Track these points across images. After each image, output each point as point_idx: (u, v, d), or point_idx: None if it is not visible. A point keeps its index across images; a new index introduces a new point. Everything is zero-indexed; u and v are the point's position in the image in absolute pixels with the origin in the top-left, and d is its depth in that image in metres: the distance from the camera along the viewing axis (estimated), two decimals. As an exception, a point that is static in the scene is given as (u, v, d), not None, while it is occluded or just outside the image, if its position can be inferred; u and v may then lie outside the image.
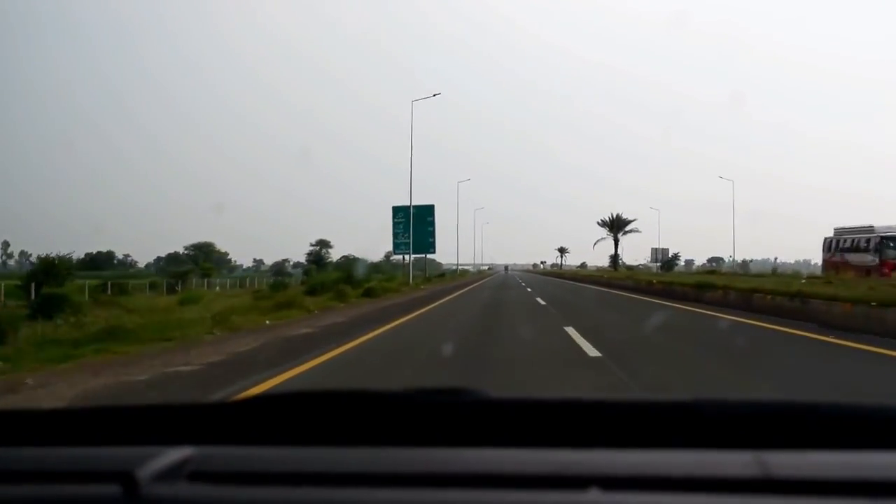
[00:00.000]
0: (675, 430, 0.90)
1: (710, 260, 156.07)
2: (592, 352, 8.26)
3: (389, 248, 48.62)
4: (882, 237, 29.31)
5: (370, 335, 10.68)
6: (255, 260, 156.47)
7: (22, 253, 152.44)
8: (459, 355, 8.33)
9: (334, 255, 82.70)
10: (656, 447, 0.83)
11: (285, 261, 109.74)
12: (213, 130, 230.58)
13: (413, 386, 0.99)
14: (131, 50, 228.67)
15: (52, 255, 28.78)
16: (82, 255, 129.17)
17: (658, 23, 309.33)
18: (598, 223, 76.06)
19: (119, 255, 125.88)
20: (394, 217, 50.25)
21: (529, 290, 32.01)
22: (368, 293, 23.78)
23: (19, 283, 29.29)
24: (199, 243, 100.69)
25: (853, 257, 30.41)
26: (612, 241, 74.75)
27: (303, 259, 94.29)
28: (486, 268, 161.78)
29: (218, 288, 51.76)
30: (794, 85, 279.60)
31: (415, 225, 47.78)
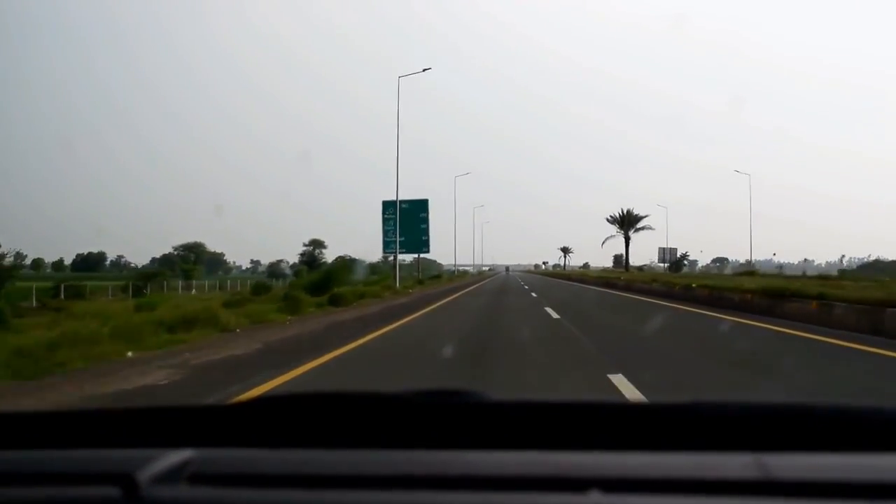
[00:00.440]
0: (675, 432, 0.89)
1: (715, 261, 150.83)
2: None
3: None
4: None
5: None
6: (252, 261, 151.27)
7: (17, 255, 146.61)
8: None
9: (330, 255, 77.51)
10: (656, 449, 0.83)
11: (280, 261, 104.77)
12: (210, 132, 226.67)
13: (413, 388, 0.98)
14: (127, 51, 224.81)
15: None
16: (74, 257, 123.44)
17: (657, 29, 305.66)
18: (608, 219, 69.74)
19: (113, 256, 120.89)
20: (384, 213, 44.89)
21: (534, 294, 27.20)
22: (335, 301, 18.58)
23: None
24: (189, 244, 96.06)
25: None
26: (623, 239, 68.04)
27: (297, 260, 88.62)
28: (486, 268, 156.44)
29: (194, 291, 46.74)
30: (792, 90, 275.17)
31: (407, 222, 42.68)
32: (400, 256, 50.47)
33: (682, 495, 0.73)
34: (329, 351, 8.61)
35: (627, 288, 30.02)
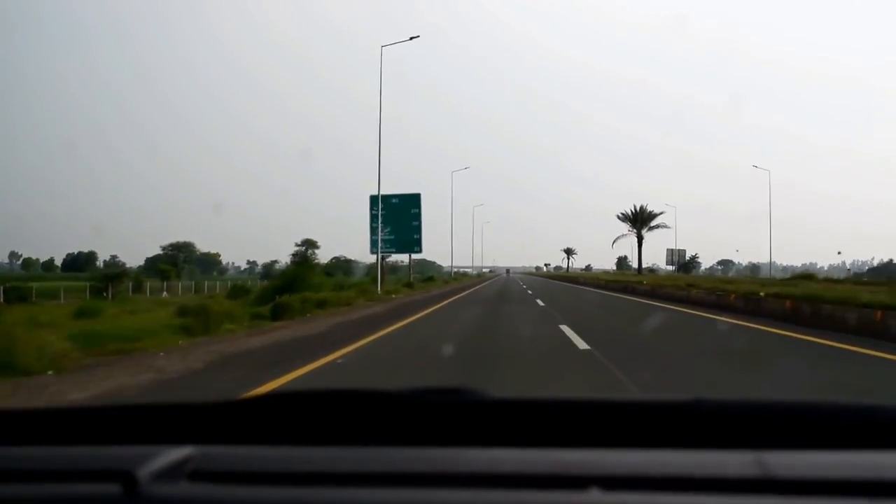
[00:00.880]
0: (675, 429, 0.89)
1: (719, 263, 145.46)
2: None
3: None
4: None
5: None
6: (249, 261, 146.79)
7: (12, 254, 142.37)
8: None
9: (324, 255, 72.35)
10: (656, 447, 0.83)
11: (275, 262, 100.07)
12: (211, 130, 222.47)
13: (414, 386, 0.97)
14: (129, 48, 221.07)
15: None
16: (64, 256, 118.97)
17: (658, 28, 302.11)
18: (619, 217, 64.02)
19: (106, 256, 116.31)
20: (371, 209, 39.44)
21: (541, 303, 21.59)
22: (278, 312, 13.56)
23: None
24: (178, 243, 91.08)
25: None
26: (636, 239, 62.04)
27: (290, 260, 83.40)
28: (486, 270, 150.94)
29: (166, 294, 41.73)
30: (792, 89, 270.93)
31: (397, 218, 37.58)
32: (396, 257, 44.80)
33: (681, 493, 0.73)
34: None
35: (653, 294, 24.83)
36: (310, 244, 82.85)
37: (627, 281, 35.71)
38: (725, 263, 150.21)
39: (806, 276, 36.44)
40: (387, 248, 38.50)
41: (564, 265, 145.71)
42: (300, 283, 21.87)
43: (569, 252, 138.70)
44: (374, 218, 39.31)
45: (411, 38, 27.29)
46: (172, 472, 0.79)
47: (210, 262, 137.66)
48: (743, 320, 13.38)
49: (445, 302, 22.54)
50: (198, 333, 10.65)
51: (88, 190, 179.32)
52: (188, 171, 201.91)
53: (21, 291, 31.75)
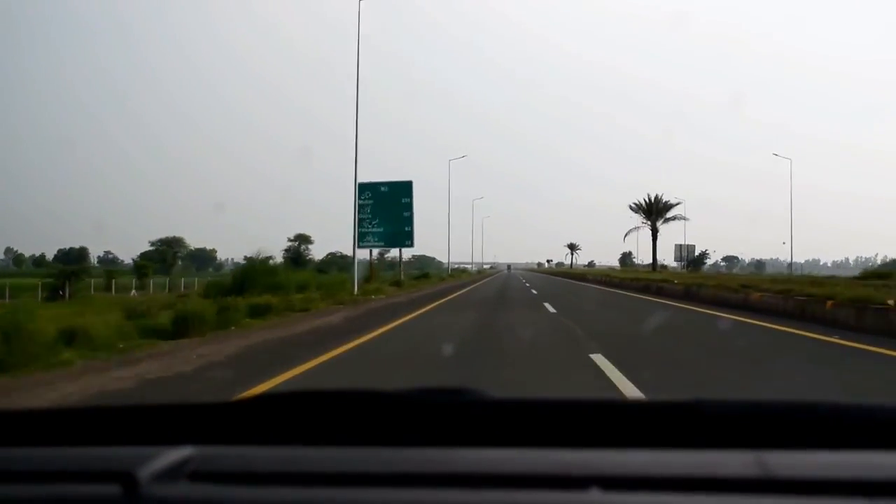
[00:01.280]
0: (675, 430, 0.89)
1: (724, 259, 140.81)
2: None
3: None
4: None
5: None
6: (246, 257, 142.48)
7: (7, 250, 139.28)
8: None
9: (321, 251, 67.84)
10: (657, 447, 0.82)
11: (270, 258, 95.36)
12: (209, 127, 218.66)
13: (414, 386, 0.97)
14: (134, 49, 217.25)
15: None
16: (56, 252, 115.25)
17: (660, 22, 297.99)
18: (632, 208, 58.62)
19: (100, 251, 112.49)
20: (357, 197, 34.33)
21: (550, 308, 16.68)
22: (182, 326, 8.99)
23: None
24: (168, 238, 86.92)
25: None
26: (650, 232, 56.62)
27: (282, 255, 78.93)
28: (487, 266, 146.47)
29: (135, 292, 37.69)
30: (794, 85, 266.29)
31: (385, 208, 33.92)
32: (395, 252, 40.10)
33: (682, 493, 0.73)
34: None
35: (689, 296, 20.16)
36: (303, 239, 78.40)
37: (648, 279, 30.16)
38: (730, 260, 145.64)
39: (883, 273, 31.14)
40: (374, 241, 33.97)
41: (566, 261, 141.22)
42: (252, 282, 17.35)
43: (572, 247, 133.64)
44: (361, 209, 34.61)
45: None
46: (172, 473, 0.78)
47: (205, 258, 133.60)
48: (844, 339, 9.00)
49: (432, 305, 18.13)
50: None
51: (85, 185, 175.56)
52: (187, 167, 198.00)
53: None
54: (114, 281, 37.30)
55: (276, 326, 11.86)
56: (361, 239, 35.27)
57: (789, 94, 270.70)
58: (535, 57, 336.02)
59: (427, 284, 37.00)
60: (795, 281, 21.37)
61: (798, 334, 10.23)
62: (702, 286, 20.50)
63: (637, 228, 59.02)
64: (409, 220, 33.25)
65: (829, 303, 12.04)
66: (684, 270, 63.36)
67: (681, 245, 70.67)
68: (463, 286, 35.34)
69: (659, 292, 23.83)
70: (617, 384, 5.76)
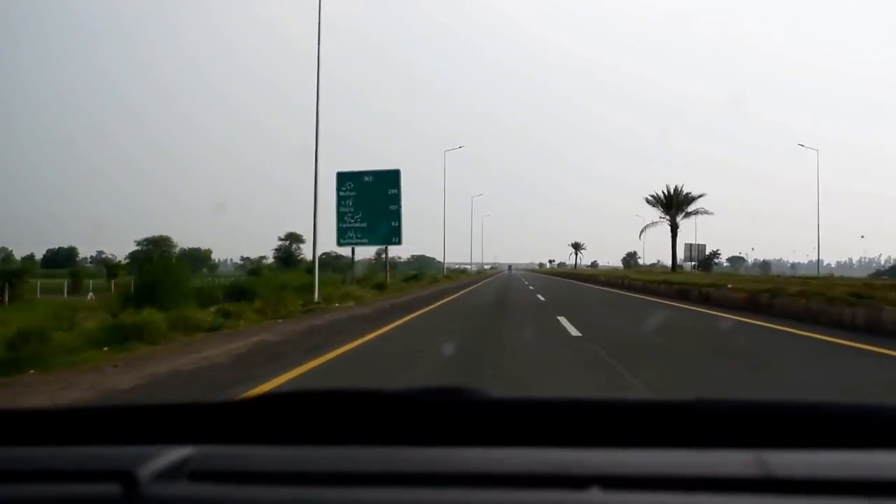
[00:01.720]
0: (675, 429, 0.88)
1: (729, 260, 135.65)
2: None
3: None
4: None
5: None
6: (242, 258, 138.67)
7: (1, 250, 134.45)
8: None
9: (308, 251, 62.99)
10: (657, 446, 0.82)
11: (262, 258, 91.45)
12: (209, 126, 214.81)
13: (414, 385, 0.96)
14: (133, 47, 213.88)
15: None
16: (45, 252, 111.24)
17: (659, 22, 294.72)
18: (648, 200, 52.43)
19: (93, 251, 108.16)
20: (338, 188, 29.37)
21: (574, 330, 10.43)
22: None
23: None
24: (154, 237, 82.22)
25: None
26: (670, 228, 50.48)
27: (273, 256, 74.40)
28: (488, 267, 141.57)
29: (92, 295, 33.60)
30: (795, 84, 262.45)
31: (369, 200, 28.81)
32: (394, 251, 34.71)
33: (682, 492, 0.73)
34: None
35: (758, 307, 14.67)
36: (294, 238, 73.55)
37: (683, 282, 22.89)
38: (736, 261, 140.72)
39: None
40: (357, 238, 29.13)
41: (569, 261, 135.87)
42: (162, 287, 12.38)
43: (577, 247, 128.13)
44: (341, 201, 29.57)
45: None
46: (173, 472, 0.78)
47: (199, 259, 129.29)
48: None
49: (406, 318, 13.20)
50: None
51: (84, 185, 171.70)
52: (186, 166, 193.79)
53: None
54: (91, 282, 32.77)
55: (158, 358, 7.32)
56: (342, 236, 30.34)
57: (791, 95, 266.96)
58: (537, 56, 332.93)
59: (416, 287, 32.06)
60: (864, 284, 16.39)
61: None
62: (776, 294, 14.51)
63: (654, 224, 51.87)
64: (397, 215, 28.32)
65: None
66: (695, 271, 58.17)
67: (691, 244, 65.44)
68: (457, 289, 30.39)
69: (706, 300, 18.20)
70: None
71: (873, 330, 10.08)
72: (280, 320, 12.78)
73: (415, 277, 39.39)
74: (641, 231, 54.36)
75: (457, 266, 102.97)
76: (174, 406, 1.01)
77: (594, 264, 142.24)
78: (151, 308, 10.14)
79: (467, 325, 12.36)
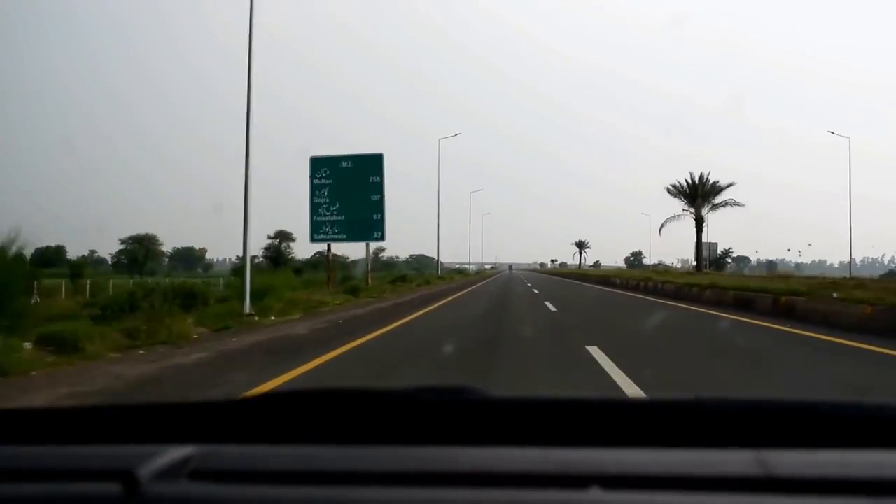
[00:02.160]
0: (675, 428, 0.88)
1: (735, 259, 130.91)
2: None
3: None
4: None
5: None
6: (238, 257, 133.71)
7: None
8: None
9: (301, 250, 58.43)
10: (657, 446, 0.82)
11: (255, 257, 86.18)
12: (206, 125, 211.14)
13: (415, 385, 0.96)
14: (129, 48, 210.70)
15: None
16: (33, 251, 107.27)
17: (657, 27, 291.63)
18: (669, 191, 46.35)
19: (84, 250, 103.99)
20: (312, 175, 24.33)
21: (617, 371, 5.75)
22: None
23: None
24: (139, 235, 77.70)
25: None
26: (694, 222, 44.61)
27: (262, 254, 68.98)
28: (488, 267, 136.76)
29: (37, 298, 27.60)
30: (792, 88, 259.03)
31: (347, 190, 24.24)
32: (390, 252, 29.86)
33: (682, 492, 0.72)
34: None
35: (827, 321, 10.19)
36: (284, 236, 68.67)
37: (742, 287, 16.76)
38: (742, 260, 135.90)
39: None
40: (333, 233, 24.61)
41: (571, 261, 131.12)
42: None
43: (581, 245, 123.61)
44: (315, 190, 24.75)
45: None
46: (173, 472, 0.78)
47: (192, 258, 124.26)
48: None
49: (356, 343, 8.41)
50: None
51: (83, 184, 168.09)
52: (184, 166, 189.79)
53: None
54: (64, 282, 28.58)
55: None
56: (316, 231, 25.58)
57: (789, 99, 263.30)
58: (536, 60, 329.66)
59: (404, 290, 27.58)
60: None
61: None
62: (849, 303, 10.50)
63: (676, 217, 45.12)
64: (379, 206, 23.77)
65: None
66: (710, 271, 53.20)
67: (703, 243, 60.43)
68: (452, 292, 26.14)
69: (746, 307, 14.04)
70: None
71: None
72: (119, 355, 7.38)
73: (402, 279, 34.68)
74: (661, 225, 47.81)
75: (456, 266, 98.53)
76: (175, 405, 1.01)
77: (597, 264, 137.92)
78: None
79: (449, 353, 7.59)
